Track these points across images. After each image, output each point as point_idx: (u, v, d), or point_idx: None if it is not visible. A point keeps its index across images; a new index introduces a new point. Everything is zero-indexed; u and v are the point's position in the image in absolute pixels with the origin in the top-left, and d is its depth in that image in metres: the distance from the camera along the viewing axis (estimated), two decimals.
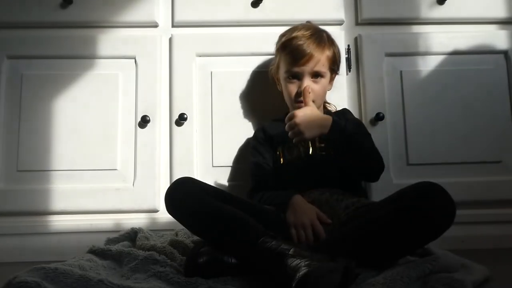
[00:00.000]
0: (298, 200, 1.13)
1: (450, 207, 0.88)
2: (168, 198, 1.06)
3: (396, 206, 0.91)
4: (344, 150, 1.16)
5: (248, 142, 1.44)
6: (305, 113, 1.13)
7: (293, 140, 1.14)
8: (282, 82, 1.33)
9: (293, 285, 0.79)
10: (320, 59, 1.26)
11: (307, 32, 1.28)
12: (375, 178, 1.22)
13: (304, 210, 1.09)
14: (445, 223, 0.88)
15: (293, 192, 1.15)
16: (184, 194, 1.04)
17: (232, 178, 1.45)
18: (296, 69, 1.27)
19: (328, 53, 1.28)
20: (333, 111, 1.39)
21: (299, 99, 1.27)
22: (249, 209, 1.06)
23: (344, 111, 1.40)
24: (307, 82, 1.26)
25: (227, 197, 1.08)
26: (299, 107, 1.27)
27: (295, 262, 0.83)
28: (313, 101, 1.28)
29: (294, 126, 1.11)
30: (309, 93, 1.22)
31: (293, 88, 1.28)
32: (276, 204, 1.15)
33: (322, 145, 1.26)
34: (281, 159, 1.30)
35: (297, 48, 1.26)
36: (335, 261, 0.83)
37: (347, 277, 0.80)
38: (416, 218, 0.87)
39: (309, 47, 1.25)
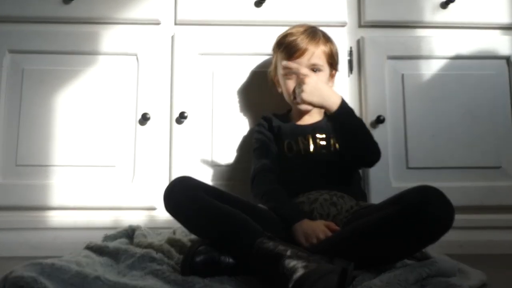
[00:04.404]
0: (303, 223, 1.09)
1: (448, 211, 0.88)
2: (166, 197, 1.06)
3: (394, 209, 0.90)
4: (347, 133, 1.17)
5: (245, 140, 1.45)
6: (318, 80, 1.17)
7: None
8: (281, 80, 1.33)
9: (290, 286, 0.78)
10: (314, 52, 1.27)
11: (301, 29, 1.31)
12: (372, 163, 1.23)
13: (314, 230, 1.05)
14: (443, 227, 0.88)
15: (299, 214, 1.11)
16: (182, 193, 1.04)
17: (231, 177, 1.45)
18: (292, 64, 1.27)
19: (323, 48, 1.29)
20: None
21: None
22: (248, 208, 1.06)
23: None
24: None
25: (225, 196, 1.08)
26: (299, 103, 1.27)
27: (292, 263, 0.83)
28: None
29: (302, 83, 1.13)
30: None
31: (290, 83, 1.29)
32: (280, 217, 1.12)
33: (323, 143, 1.26)
34: (281, 155, 1.29)
35: (291, 42, 1.27)
36: (332, 263, 0.83)
37: (344, 279, 0.80)
38: (414, 222, 0.87)
39: (303, 41, 1.27)
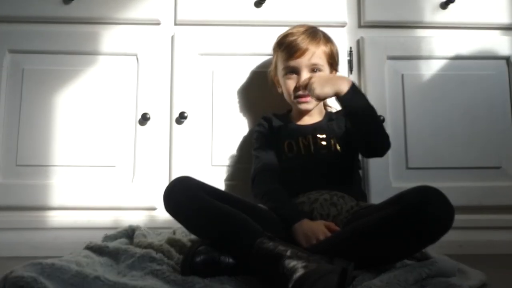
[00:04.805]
0: (303, 224, 1.09)
1: (448, 211, 0.88)
2: (166, 197, 1.06)
3: (394, 209, 0.90)
4: (359, 116, 1.16)
5: (245, 140, 1.45)
6: (322, 74, 1.25)
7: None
8: (281, 79, 1.33)
9: (290, 286, 0.78)
10: (315, 52, 1.27)
11: (301, 29, 1.31)
12: (382, 152, 1.20)
13: (313, 231, 1.05)
14: (443, 228, 0.88)
15: (298, 215, 1.11)
16: (182, 193, 1.04)
17: (231, 177, 1.45)
18: (293, 63, 1.27)
19: (324, 48, 1.29)
20: (333, 112, 1.39)
21: (298, 93, 1.28)
22: (248, 208, 1.06)
23: None
24: (305, 75, 1.26)
25: (225, 196, 1.08)
26: (299, 103, 1.27)
27: (292, 263, 0.83)
28: None
29: (308, 83, 1.18)
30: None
31: (291, 83, 1.29)
32: (280, 217, 1.12)
33: (324, 143, 1.26)
34: (282, 155, 1.30)
35: (292, 42, 1.28)
36: (332, 263, 0.83)
37: (344, 279, 0.80)
38: (414, 222, 0.87)
39: (303, 41, 1.27)
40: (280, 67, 1.32)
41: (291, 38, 1.28)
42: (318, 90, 1.15)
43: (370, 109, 1.18)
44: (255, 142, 1.34)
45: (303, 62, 1.27)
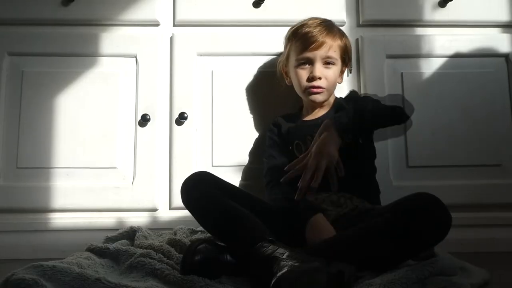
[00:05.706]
0: (317, 220, 1.08)
1: (445, 220, 0.88)
2: (181, 191, 1.10)
3: (392, 216, 0.91)
4: (364, 129, 1.18)
5: (245, 141, 1.46)
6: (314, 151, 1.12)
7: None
8: (292, 70, 1.32)
9: (272, 282, 0.79)
10: (332, 45, 1.27)
11: (317, 20, 1.31)
12: (402, 122, 1.31)
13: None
14: (439, 236, 0.89)
15: (313, 211, 1.10)
16: (195, 189, 1.08)
17: (231, 178, 1.44)
18: (308, 54, 1.27)
19: (339, 42, 1.30)
20: (343, 99, 1.38)
21: (311, 84, 1.27)
22: (258, 205, 1.09)
23: (352, 93, 1.39)
24: (319, 67, 1.26)
25: (240, 194, 1.11)
26: (310, 94, 1.27)
27: (282, 263, 0.83)
28: (325, 88, 1.28)
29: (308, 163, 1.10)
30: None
31: (304, 73, 1.28)
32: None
33: None
34: (293, 157, 1.28)
35: (308, 33, 1.27)
36: (330, 266, 0.83)
37: (341, 281, 0.80)
38: (412, 228, 0.87)
39: (320, 33, 1.27)
40: (293, 57, 1.31)
41: (307, 29, 1.27)
42: (325, 158, 1.10)
43: (365, 117, 1.18)
44: (266, 148, 1.35)
45: (319, 54, 1.26)
